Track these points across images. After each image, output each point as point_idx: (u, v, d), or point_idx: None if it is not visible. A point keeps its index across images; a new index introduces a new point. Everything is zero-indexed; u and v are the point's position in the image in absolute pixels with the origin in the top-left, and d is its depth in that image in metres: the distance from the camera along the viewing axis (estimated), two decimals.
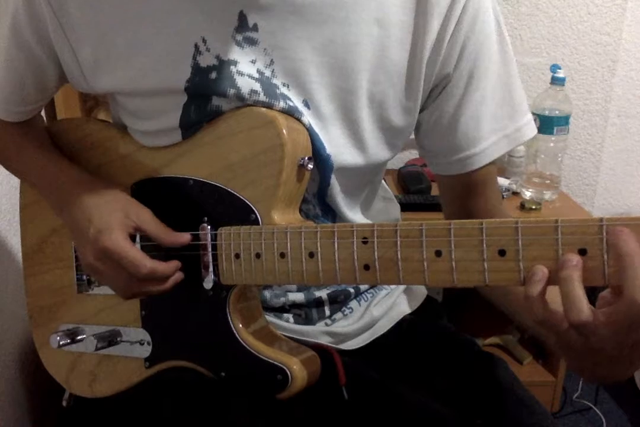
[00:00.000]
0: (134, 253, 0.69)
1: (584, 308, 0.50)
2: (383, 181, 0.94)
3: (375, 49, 0.70)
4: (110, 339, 0.80)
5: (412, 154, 1.84)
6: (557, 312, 0.52)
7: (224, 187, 0.71)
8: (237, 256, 0.69)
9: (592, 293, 0.52)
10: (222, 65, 0.69)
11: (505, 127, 0.77)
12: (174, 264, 0.71)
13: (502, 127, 0.76)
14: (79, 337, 0.82)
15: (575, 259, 0.51)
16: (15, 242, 1.17)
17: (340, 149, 0.74)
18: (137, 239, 0.74)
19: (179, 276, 0.72)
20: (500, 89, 0.76)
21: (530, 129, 0.78)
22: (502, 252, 0.54)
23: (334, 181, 0.76)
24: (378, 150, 0.77)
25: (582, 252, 0.51)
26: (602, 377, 0.60)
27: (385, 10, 0.70)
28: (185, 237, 0.72)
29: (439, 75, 0.74)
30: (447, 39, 0.71)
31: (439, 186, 0.87)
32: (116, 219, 0.71)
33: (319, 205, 0.79)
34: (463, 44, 0.72)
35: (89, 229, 0.71)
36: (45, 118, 0.94)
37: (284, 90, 0.70)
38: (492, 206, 0.83)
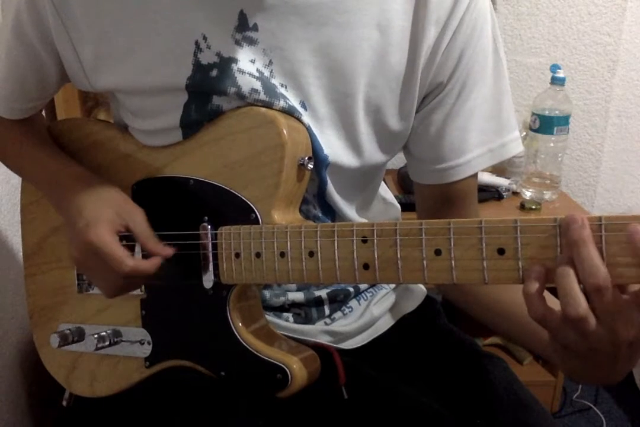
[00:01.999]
0: (117, 250, 0.68)
1: (581, 302, 0.50)
2: (384, 184, 0.94)
3: (375, 53, 0.70)
4: (110, 338, 0.80)
5: None
6: (556, 310, 0.53)
7: (224, 186, 0.71)
8: (238, 255, 0.69)
9: None
10: (223, 62, 0.69)
11: (491, 141, 0.77)
12: (156, 260, 0.70)
13: (487, 141, 0.76)
14: (79, 337, 0.82)
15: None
16: (15, 242, 1.17)
17: (336, 151, 0.74)
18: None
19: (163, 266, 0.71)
20: (490, 103, 0.76)
21: (516, 146, 0.78)
22: (501, 251, 0.54)
23: (330, 182, 0.76)
24: (374, 153, 0.77)
25: None
26: (596, 379, 0.60)
27: (386, 16, 0.70)
28: (167, 251, 0.71)
29: (432, 83, 0.74)
30: (442, 48, 0.71)
31: (416, 194, 0.86)
32: (106, 215, 0.70)
33: (319, 205, 0.79)
34: (459, 55, 0.72)
35: (78, 222, 0.70)
36: (45, 118, 0.94)
37: (282, 90, 0.70)
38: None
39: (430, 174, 0.79)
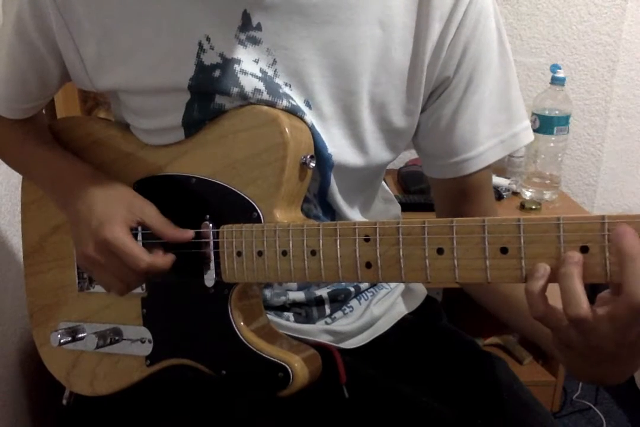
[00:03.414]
0: (134, 246, 0.69)
1: (582, 303, 0.50)
2: (383, 182, 0.94)
3: (378, 50, 0.71)
4: (111, 337, 0.80)
5: (413, 154, 1.84)
6: (557, 309, 0.53)
7: (226, 185, 0.71)
8: (239, 253, 0.69)
9: (592, 294, 0.53)
10: (226, 63, 0.69)
11: (502, 133, 0.77)
12: (170, 257, 0.72)
13: (498, 133, 0.77)
14: (79, 336, 0.82)
15: (576, 256, 0.51)
16: (15, 242, 1.17)
17: (341, 150, 0.74)
18: (139, 236, 0.74)
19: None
20: (498, 95, 0.76)
21: (527, 135, 0.78)
22: (504, 250, 0.54)
23: (333, 181, 0.76)
24: (379, 151, 0.77)
25: (584, 249, 0.51)
26: (599, 379, 0.60)
27: (388, 12, 0.70)
28: (188, 233, 0.72)
29: (439, 78, 0.74)
30: (447, 42, 0.71)
31: (433, 190, 0.86)
32: (119, 212, 0.71)
33: (320, 205, 0.79)
34: (464, 48, 0.72)
35: (90, 221, 0.71)
36: (46, 118, 0.94)
37: (286, 89, 0.70)
38: (485, 213, 0.82)
39: (444, 168, 0.79)
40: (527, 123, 0.79)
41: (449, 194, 0.83)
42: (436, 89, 0.75)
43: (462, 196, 0.81)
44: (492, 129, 0.76)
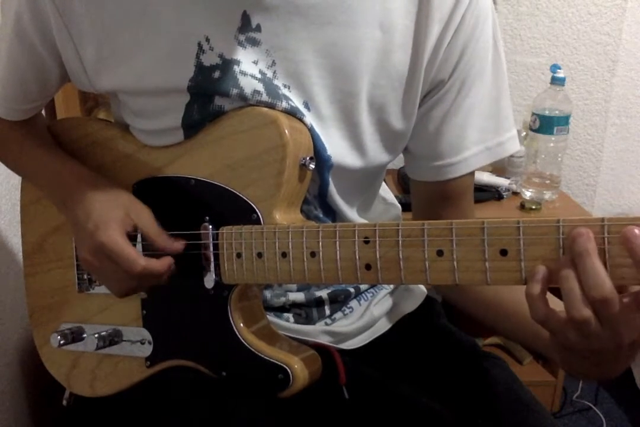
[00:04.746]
0: (129, 250, 0.69)
1: (586, 305, 0.50)
2: (384, 184, 0.94)
3: (378, 52, 0.70)
4: (111, 338, 0.80)
5: None
6: (558, 311, 0.53)
7: (225, 186, 0.71)
8: (239, 255, 0.69)
9: None
10: (226, 64, 0.69)
11: (489, 140, 0.77)
12: (167, 260, 0.71)
13: (485, 139, 0.77)
14: (79, 337, 0.82)
15: None
16: (15, 242, 1.17)
17: (340, 151, 0.74)
18: (139, 238, 0.74)
19: (172, 268, 0.72)
20: (488, 102, 0.76)
21: (513, 145, 0.79)
22: (503, 252, 0.54)
23: (332, 182, 0.76)
24: (377, 153, 0.77)
25: None
26: (597, 375, 0.61)
27: (388, 15, 0.70)
28: (179, 244, 0.72)
29: (434, 81, 0.74)
30: (445, 45, 0.71)
31: (412, 191, 0.86)
32: (115, 216, 0.71)
33: (320, 206, 0.79)
34: (461, 52, 0.72)
35: (87, 224, 0.71)
36: (45, 119, 0.94)
37: (285, 91, 0.70)
38: (462, 217, 0.82)
39: (427, 170, 0.79)
40: (514, 133, 0.79)
41: (429, 196, 0.83)
42: (430, 92, 0.75)
43: (442, 200, 0.82)
44: (479, 135, 0.76)
